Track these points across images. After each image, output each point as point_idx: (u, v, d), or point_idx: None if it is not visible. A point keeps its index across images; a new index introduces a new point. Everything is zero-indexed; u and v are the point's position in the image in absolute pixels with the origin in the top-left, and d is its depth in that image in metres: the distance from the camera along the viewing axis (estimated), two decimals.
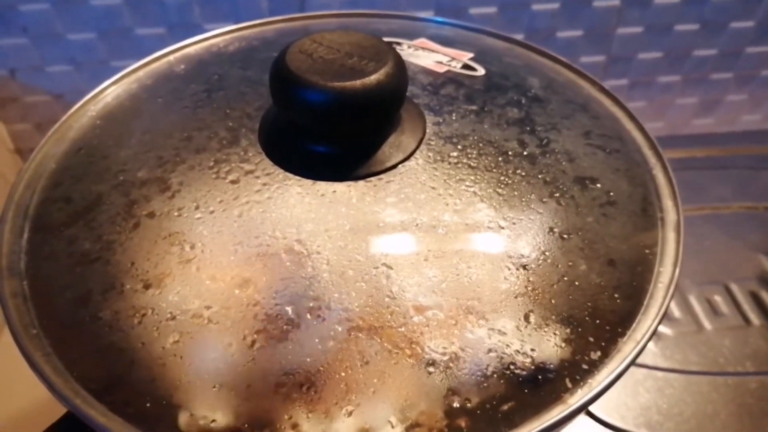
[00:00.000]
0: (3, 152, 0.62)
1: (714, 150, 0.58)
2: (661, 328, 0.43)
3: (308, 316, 0.24)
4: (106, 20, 0.57)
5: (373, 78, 0.27)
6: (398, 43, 0.38)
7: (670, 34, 0.65)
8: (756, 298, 0.45)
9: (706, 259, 0.47)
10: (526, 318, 0.25)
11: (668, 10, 0.63)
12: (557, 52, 0.39)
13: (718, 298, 0.45)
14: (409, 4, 0.60)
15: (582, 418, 0.39)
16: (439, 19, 0.42)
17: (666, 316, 0.45)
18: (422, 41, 0.38)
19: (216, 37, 0.40)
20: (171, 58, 0.39)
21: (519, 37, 0.63)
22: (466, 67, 0.36)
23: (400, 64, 0.28)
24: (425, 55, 0.36)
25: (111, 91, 0.36)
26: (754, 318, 0.44)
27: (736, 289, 0.46)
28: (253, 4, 0.58)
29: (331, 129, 0.28)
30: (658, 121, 0.72)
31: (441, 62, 0.36)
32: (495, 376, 0.24)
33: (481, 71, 0.35)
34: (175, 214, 0.28)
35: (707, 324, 0.44)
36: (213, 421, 0.23)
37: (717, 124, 0.73)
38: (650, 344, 0.43)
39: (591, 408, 0.39)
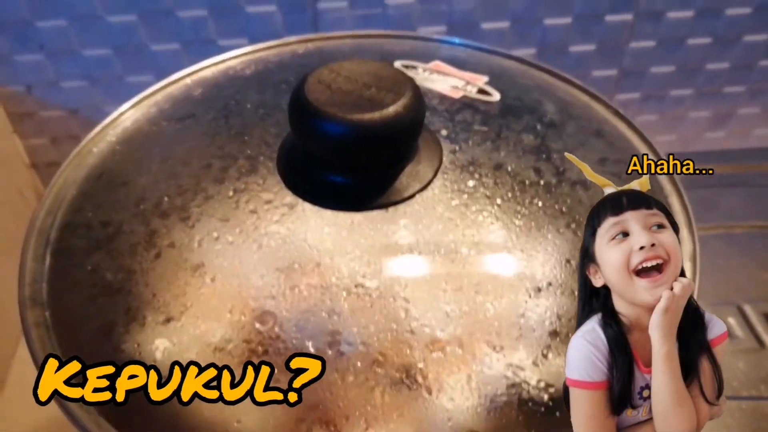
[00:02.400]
0: (19, 167, 0.62)
1: (726, 167, 0.57)
2: None
3: (328, 351, 0.25)
4: (122, 36, 0.57)
5: (392, 110, 0.27)
6: (413, 67, 0.38)
7: (683, 48, 0.64)
8: None
9: (718, 279, 0.47)
10: (544, 354, 0.25)
11: (681, 24, 0.63)
12: (569, 66, 0.39)
13: (731, 320, 0.45)
14: (421, 19, 0.60)
15: None
16: (453, 40, 0.42)
17: None
18: (437, 64, 0.38)
19: (232, 59, 0.41)
20: (188, 81, 0.39)
21: (531, 51, 0.64)
22: (481, 91, 0.36)
23: (417, 95, 0.28)
24: (440, 80, 0.37)
25: (129, 114, 0.37)
26: None
27: (749, 311, 0.45)
28: (266, 21, 0.58)
29: (350, 160, 0.28)
30: (670, 135, 0.72)
31: (456, 87, 0.36)
32: (513, 412, 0.24)
33: (496, 96, 0.35)
34: (196, 245, 0.28)
35: None
36: None
37: (729, 137, 0.73)
38: None
39: None
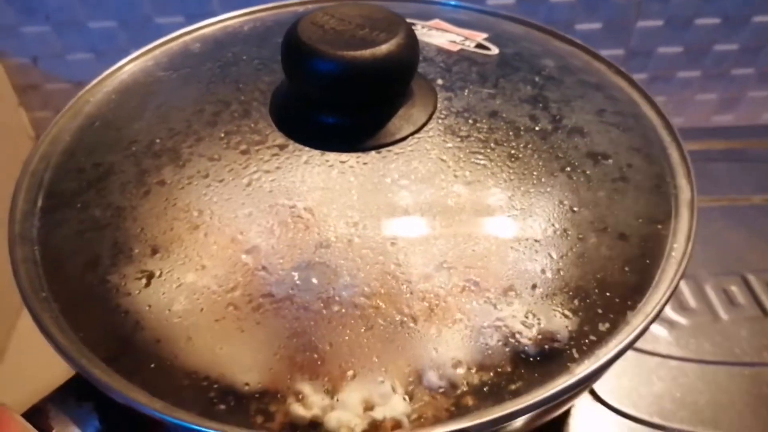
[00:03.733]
0: (24, 139, 0.63)
1: (734, 143, 0.57)
2: (676, 317, 0.43)
3: (314, 281, 0.24)
4: (127, 9, 0.58)
5: (384, 48, 0.27)
6: (413, 24, 0.37)
7: (691, 28, 0.64)
8: None
9: (723, 250, 0.47)
10: (534, 288, 0.25)
11: (689, 4, 0.62)
12: None
13: (734, 289, 0.44)
14: None
15: (594, 404, 0.38)
16: (456, 2, 0.42)
17: (681, 306, 0.44)
18: (437, 22, 0.38)
19: (232, 18, 0.41)
20: (187, 38, 0.39)
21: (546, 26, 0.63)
22: (479, 46, 0.35)
23: (411, 35, 0.28)
24: (439, 35, 0.36)
25: (128, 69, 0.37)
26: None
27: (753, 280, 0.45)
28: None
29: (341, 99, 0.28)
30: (677, 117, 0.71)
31: (455, 41, 0.36)
32: (501, 344, 0.24)
33: (494, 50, 0.35)
34: (186, 182, 0.28)
35: (723, 314, 0.43)
36: (216, 383, 0.23)
37: (737, 121, 0.72)
38: (665, 333, 0.42)
39: (603, 395, 0.39)
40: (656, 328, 0.42)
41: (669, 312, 0.43)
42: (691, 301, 0.44)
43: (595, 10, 0.62)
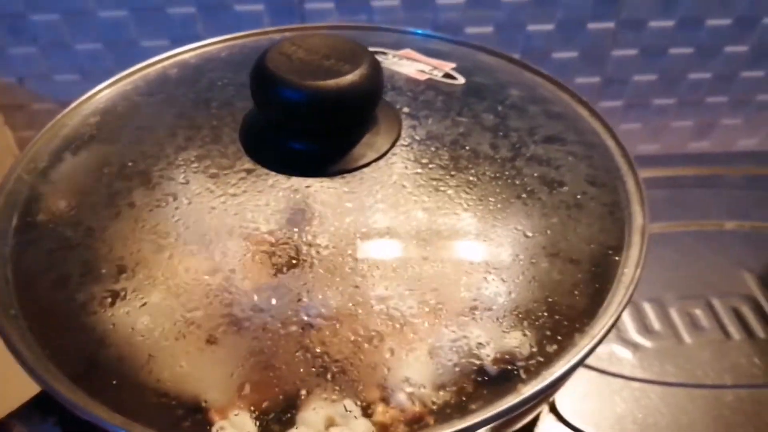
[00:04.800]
0: (9, 159, 0.64)
1: (704, 169, 0.58)
2: (641, 340, 0.44)
3: (273, 302, 0.25)
4: (113, 32, 0.59)
5: (348, 78, 0.28)
6: (383, 53, 0.39)
7: (665, 57, 0.66)
8: (737, 314, 0.45)
9: (688, 274, 0.48)
10: (486, 311, 0.26)
11: (663, 34, 0.64)
12: (552, 72, 0.39)
13: (699, 312, 0.45)
14: (405, 21, 0.61)
15: (557, 424, 0.39)
16: (427, 32, 0.43)
17: (646, 329, 0.45)
18: (407, 51, 0.39)
19: (211, 45, 0.42)
20: (166, 63, 0.40)
21: (515, 57, 0.65)
22: (447, 76, 0.37)
23: (374, 66, 0.29)
24: (408, 65, 0.38)
25: (106, 93, 0.38)
26: (735, 332, 0.44)
27: (717, 304, 0.46)
28: (254, 20, 0.59)
29: (306, 126, 0.29)
30: (653, 144, 0.73)
31: (423, 71, 0.37)
32: (451, 365, 0.24)
33: (461, 80, 0.36)
34: (155, 204, 0.29)
35: (687, 337, 0.44)
36: (175, 400, 0.24)
37: (713, 147, 0.73)
38: (629, 355, 0.43)
39: (566, 415, 0.39)
40: (620, 350, 0.43)
41: (633, 334, 0.44)
42: (656, 324, 0.45)
43: (571, 39, 0.64)
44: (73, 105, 0.37)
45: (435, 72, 0.37)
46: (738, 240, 0.51)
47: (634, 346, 0.43)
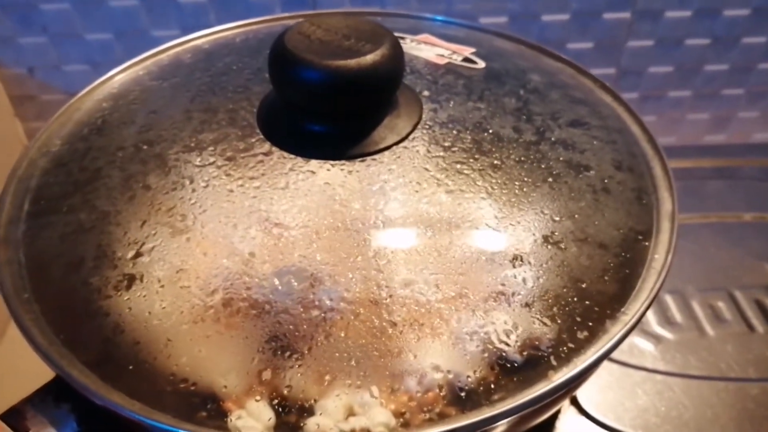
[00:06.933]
0: (18, 149, 0.63)
1: (723, 161, 0.57)
2: (663, 332, 0.43)
3: (294, 284, 0.24)
4: (124, 21, 0.58)
5: (369, 58, 0.27)
6: (402, 38, 0.38)
7: (681, 48, 0.64)
8: (761, 306, 0.44)
9: (710, 266, 0.47)
10: (514, 296, 0.25)
11: (679, 24, 0.63)
12: None
13: (721, 305, 0.44)
14: (419, 9, 0.60)
15: (579, 417, 0.38)
16: (445, 18, 0.43)
17: (667, 321, 0.44)
18: (425, 36, 0.39)
19: (225, 30, 0.41)
20: (179, 49, 0.40)
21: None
22: (467, 60, 0.36)
23: (396, 46, 0.28)
24: (427, 49, 0.37)
25: (119, 78, 0.37)
26: (758, 325, 0.43)
27: (740, 297, 0.45)
28: (266, 9, 0.59)
29: (326, 108, 0.28)
30: (669, 136, 0.72)
31: (442, 55, 0.36)
32: (480, 351, 0.24)
33: (481, 64, 0.36)
34: (170, 187, 0.28)
35: (710, 330, 0.43)
36: (194, 385, 0.23)
37: (729, 140, 0.72)
38: (651, 347, 0.42)
39: (588, 408, 0.38)
40: (642, 343, 0.42)
41: (655, 326, 0.43)
42: (678, 316, 0.44)
43: (586, 29, 0.63)
44: (85, 90, 0.36)
45: (454, 56, 0.36)
46: (758, 232, 0.50)
47: (656, 339, 0.42)
